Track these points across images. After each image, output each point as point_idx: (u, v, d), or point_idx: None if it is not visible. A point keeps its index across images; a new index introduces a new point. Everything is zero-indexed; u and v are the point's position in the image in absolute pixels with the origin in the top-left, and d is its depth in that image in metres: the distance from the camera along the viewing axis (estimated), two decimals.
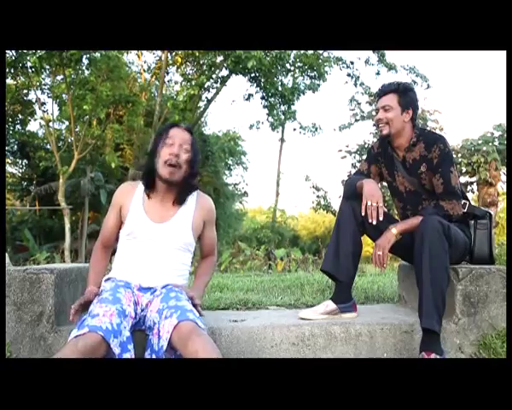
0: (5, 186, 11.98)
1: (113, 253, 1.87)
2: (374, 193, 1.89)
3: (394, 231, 1.90)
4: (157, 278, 1.71)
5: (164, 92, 12.34)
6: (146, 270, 1.71)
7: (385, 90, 2.03)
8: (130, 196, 1.81)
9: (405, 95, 2.00)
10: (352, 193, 2.02)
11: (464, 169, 7.16)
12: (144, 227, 1.74)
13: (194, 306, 1.61)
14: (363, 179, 1.99)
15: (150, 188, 1.79)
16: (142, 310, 1.68)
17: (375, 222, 1.87)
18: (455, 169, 1.96)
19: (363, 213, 1.89)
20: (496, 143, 7.43)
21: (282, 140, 15.00)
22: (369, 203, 1.87)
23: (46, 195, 13.42)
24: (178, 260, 1.78)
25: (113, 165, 11.03)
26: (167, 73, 12.41)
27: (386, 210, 1.93)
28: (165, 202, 1.79)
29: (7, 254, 2.00)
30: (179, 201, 1.79)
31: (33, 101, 12.59)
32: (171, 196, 1.79)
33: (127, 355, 1.46)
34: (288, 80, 11.77)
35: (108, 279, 1.73)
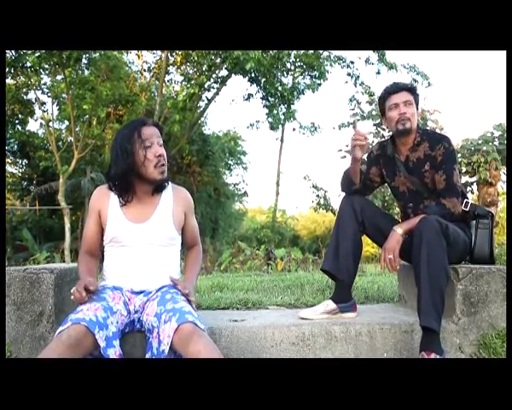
0: (5, 186, 11.98)
1: (101, 261, 1.82)
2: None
3: (400, 231, 1.90)
4: (148, 280, 1.70)
5: (164, 92, 12.33)
6: (136, 274, 1.69)
7: (401, 87, 2.04)
8: (107, 201, 1.75)
9: (416, 95, 2.05)
10: (348, 180, 2.10)
11: (464, 169, 7.16)
12: (125, 230, 1.71)
13: (189, 302, 1.60)
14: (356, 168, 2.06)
15: (128, 194, 1.73)
16: (136, 311, 1.67)
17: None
18: (457, 168, 1.99)
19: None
20: (496, 142, 7.42)
21: (281, 140, 14.99)
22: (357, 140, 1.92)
23: (46, 194, 13.41)
24: (165, 256, 1.75)
25: None
26: (167, 73, 12.41)
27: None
28: (143, 201, 1.75)
29: None
30: (159, 190, 1.76)
31: (33, 100, 12.60)
32: (147, 194, 1.75)
33: (111, 351, 1.45)
34: (287, 80, 11.77)
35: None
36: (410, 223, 1.92)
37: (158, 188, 1.77)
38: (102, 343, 1.42)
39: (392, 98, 2.04)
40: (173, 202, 1.80)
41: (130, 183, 1.71)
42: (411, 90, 2.04)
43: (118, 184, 1.72)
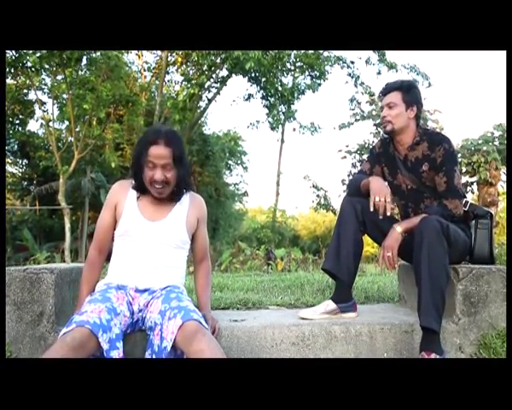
0: (5, 186, 11.98)
1: (109, 257, 1.83)
2: (381, 189, 1.90)
3: (399, 229, 1.90)
4: (153, 278, 1.71)
5: (164, 92, 12.33)
6: (141, 271, 1.70)
7: (389, 88, 2.07)
8: (125, 195, 1.78)
9: (409, 92, 2.04)
10: (356, 191, 2.05)
11: (464, 169, 7.17)
12: (138, 226, 1.73)
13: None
14: (369, 177, 2.02)
15: (143, 193, 1.77)
16: (140, 310, 1.67)
17: (381, 217, 1.87)
18: (458, 170, 1.99)
19: (371, 209, 1.90)
20: (496, 142, 7.44)
21: (281, 140, 15.01)
22: (377, 199, 1.87)
23: (46, 194, 13.43)
24: (173, 257, 1.77)
25: (113, 164, 11.03)
26: (167, 73, 12.41)
27: (393, 207, 1.93)
28: (160, 201, 1.77)
29: None
30: (175, 200, 1.79)
31: (33, 101, 12.59)
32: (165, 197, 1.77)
33: (115, 353, 1.45)
34: (287, 80, 11.78)
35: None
36: (410, 222, 1.92)
37: (177, 193, 1.78)
38: (106, 346, 1.43)
39: (382, 100, 2.10)
40: (189, 207, 1.83)
41: (140, 185, 1.75)
42: (401, 88, 2.04)
43: (136, 185, 1.77)
